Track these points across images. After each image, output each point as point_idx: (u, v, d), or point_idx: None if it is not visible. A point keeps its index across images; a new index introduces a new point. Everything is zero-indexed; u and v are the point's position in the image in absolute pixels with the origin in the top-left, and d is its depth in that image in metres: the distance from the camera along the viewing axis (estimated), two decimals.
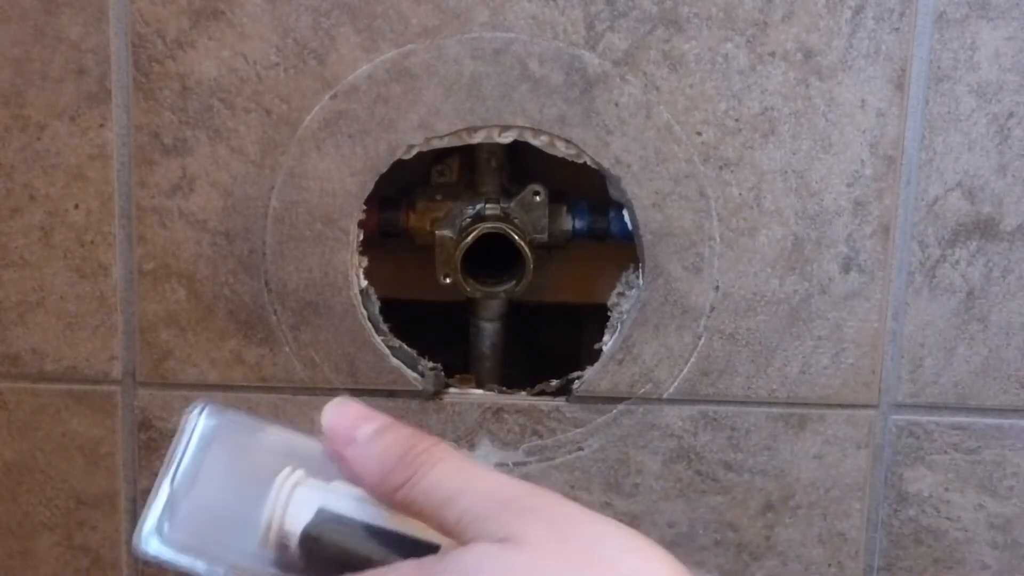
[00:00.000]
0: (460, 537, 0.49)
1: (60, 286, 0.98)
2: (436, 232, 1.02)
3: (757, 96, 0.94)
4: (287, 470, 0.53)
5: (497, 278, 1.04)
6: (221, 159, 0.95)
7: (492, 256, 1.02)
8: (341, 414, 0.53)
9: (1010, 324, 0.98)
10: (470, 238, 1.01)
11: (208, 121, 0.95)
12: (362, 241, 0.98)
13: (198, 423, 0.54)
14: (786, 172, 0.95)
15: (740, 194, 0.96)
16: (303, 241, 0.96)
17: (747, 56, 0.93)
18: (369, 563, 0.50)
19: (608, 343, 1.00)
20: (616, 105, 0.94)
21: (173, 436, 1.02)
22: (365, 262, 0.99)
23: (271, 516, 0.52)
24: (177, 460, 0.54)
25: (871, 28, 0.93)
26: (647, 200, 0.96)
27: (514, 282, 1.03)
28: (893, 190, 0.96)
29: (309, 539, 0.51)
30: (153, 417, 1.00)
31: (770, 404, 1.00)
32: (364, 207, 0.97)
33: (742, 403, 1.00)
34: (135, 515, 1.02)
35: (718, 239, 0.96)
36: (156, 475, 1.02)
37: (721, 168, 0.95)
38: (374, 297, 0.99)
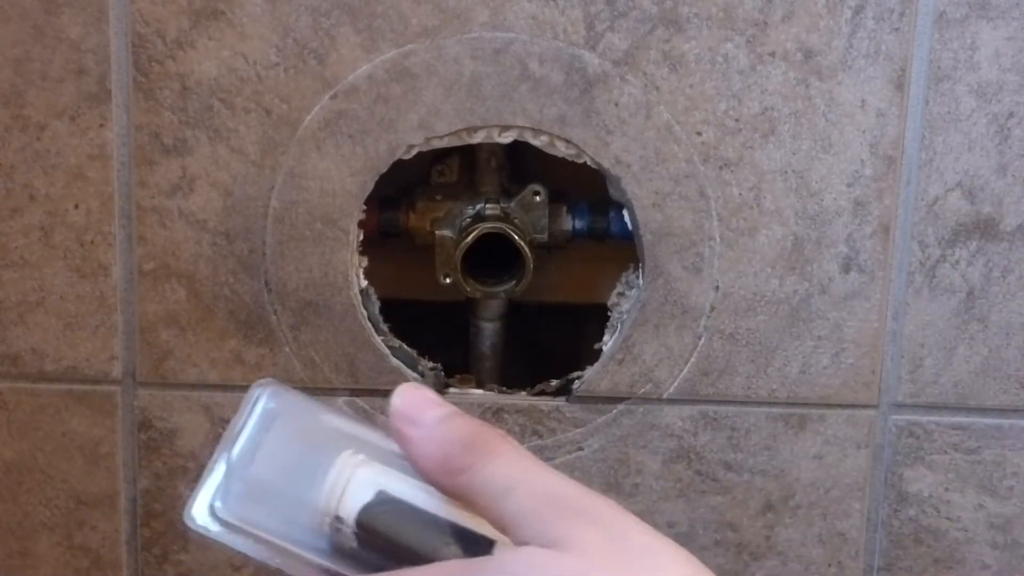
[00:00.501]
0: (514, 533, 0.49)
1: (60, 286, 0.98)
2: (436, 232, 1.02)
3: (757, 96, 0.94)
4: (349, 451, 0.53)
5: (497, 278, 1.04)
6: (221, 159, 0.95)
7: (492, 256, 1.02)
8: (411, 395, 0.53)
9: (1010, 324, 0.98)
10: (470, 238, 1.01)
11: (208, 121, 0.95)
12: (362, 241, 0.98)
13: (260, 401, 0.54)
14: (786, 172, 0.95)
15: (740, 194, 0.96)
16: (303, 241, 0.96)
17: (747, 56, 0.93)
18: (421, 552, 0.50)
19: (608, 343, 1.00)
20: (616, 105, 0.94)
21: (173, 436, 1.02)
22: (365, 262, 0.99)
23: (330, 494, 0.51)
24: (235, 436, 0.53)
25: (871, 28, 0.93)
26: (647, 200, 0.96)
27: (514, 282, 1.03)
28: (893, 190, 0.96)
29: (365, 520, 0.51)
30: (153, 417, 1.00)
31: (770, 404, 1.00)
32: (364, 207, 0.97)
33: (742, 403, 1.00)
34: (135, 515, 1.02)
35: (718, 239, 0.96)
36: (156, 475, 1.02)
37: (721, 168, 0.95)
38: (374, 297, 0.99)
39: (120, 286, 0.98)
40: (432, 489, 0.51)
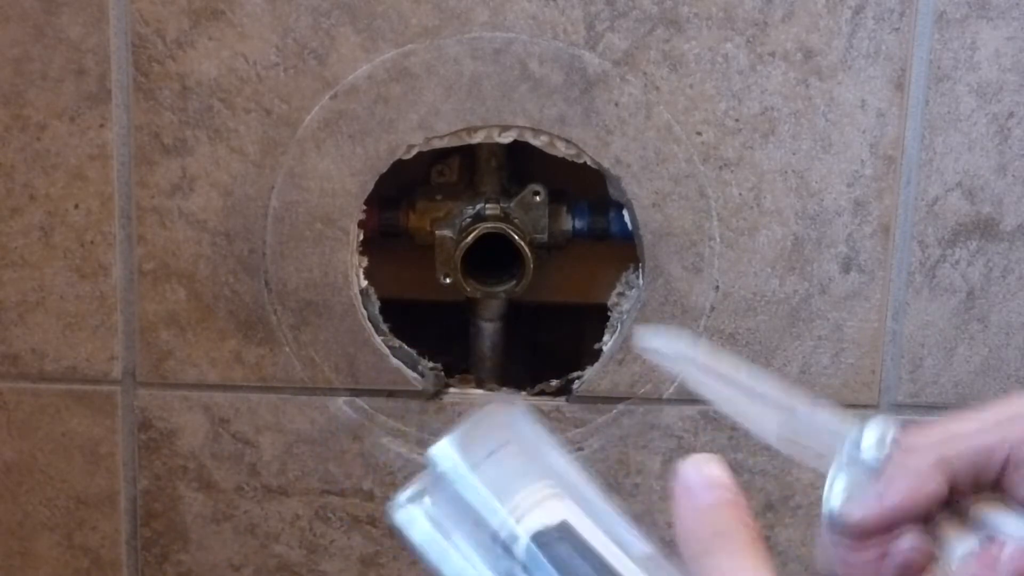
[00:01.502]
0: None
1: (60, 286, 0.98)
2: (436, 232, 1.02)
3: (757, 96, 0.94)
4: (552, 482, 0.53)
5: (497, 278, 1.04)
6: (221, 159, 0.95)
7: (492, 256, 1.02)
8: (694, 471, 0.53)
9: (1010, 324, 0.98)
10: (470, 238, 1.01)
11: (208, 121, 0.95)
12: (362, 241, 0.98)
13: (507, 421, 0.54)
14: (786, 172, 0.95)
15: (740, 194, 0.96)
16: (303, 241, 0.96)
17: (747, 56, 0.93)
18: None
19: (608, 343, 1.00)
20: (616, 105, 0.94)
21: (173, 436, 1.02)
22: (365, 262, 0.99)
23: (516, 507, 0.52)
24: (469, 444, 0.53)
25: (871, 28, 0.93)
26: (647, 200, 0.96)
27: (514, 282, 1.03)
28: (893, 190, 0.96)
29: (537, 544, 0.51)
30: (153, 417, 1.00)
31: None
32: (364, 207, 0.97)
33: None
34: (135, 515, 1.02)
35: (718, 239, 0.96)
36: (156, 475, 1.02)
37: (721, 168, 0.95)
38: (374, 297, 0.99)
39: (120, 286, 0.98)
40: (623, 551, 0.51)
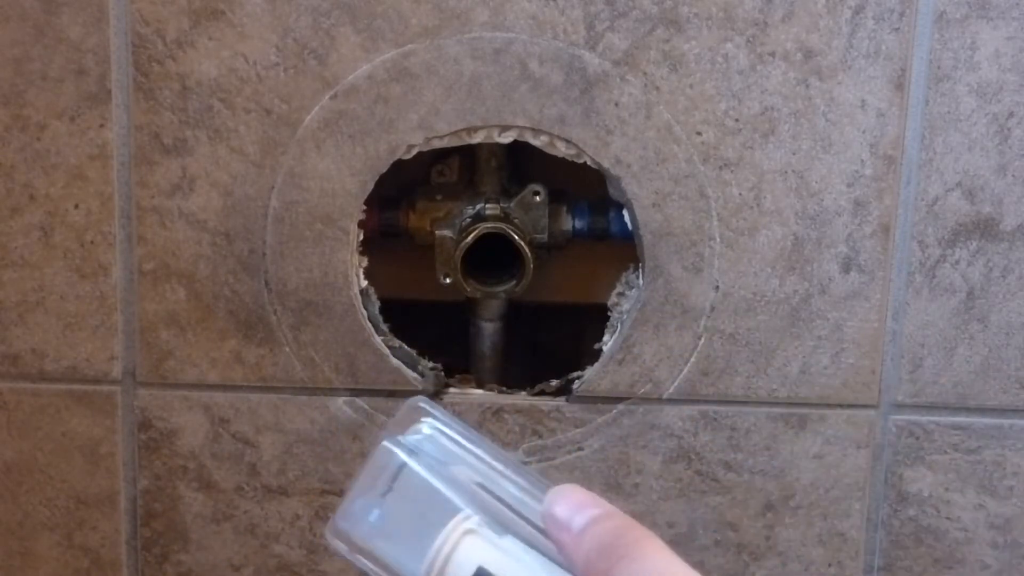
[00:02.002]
0: None
1: (60, 286, 0.98)
2: (436, 232, 1.02)
3: (757, 96, 0.94)
4: (462, 515, 0.53)
5: (497, 278, 1.04)
6: (221, 159, 0.95)
7: (492, 256, 1.02)
8: (563, 499, 0.53)
9: (1010, 324, 0.98)
10: (470, 238, 1.01)
11: (208, 121, 0.95)
12: (362, 241, 0.98)
13: (412, 427, 0.55)
14: (786, 172, 0.95)
15: (740, 194, 0.96)
16: (303, 241, 0.96)
17: (747, 56, 0.93)
18: None
19: (608, 343, 1.00)
20: (616, 105, 0.94)
21: (173, 436, 1.02)
22: (365, 262, 0.99)
23: (432, 562, 0.52)
24: (375, 468, 0.54)
25: (871, 28, 0.93)
26: (647, 200, 0.96)
27: (514, 282, 1.03)
28: (893, 190, 0.96)
29: None
30: (153, 417, 1.00)
31: (770, 404, 1.00)
32: (364, 207, 0.97)
33: (742, 403, 1.00)
34: (135, 515, 1.02)
35: (718, 239, 0.96)
36: (156, 475, 1.02)
37: (721, 168, 0.95)
38: (374, 297, 0.99)
39: (120, 286, 0.98)
40: (549, 564, 0.52)
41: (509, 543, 0.52)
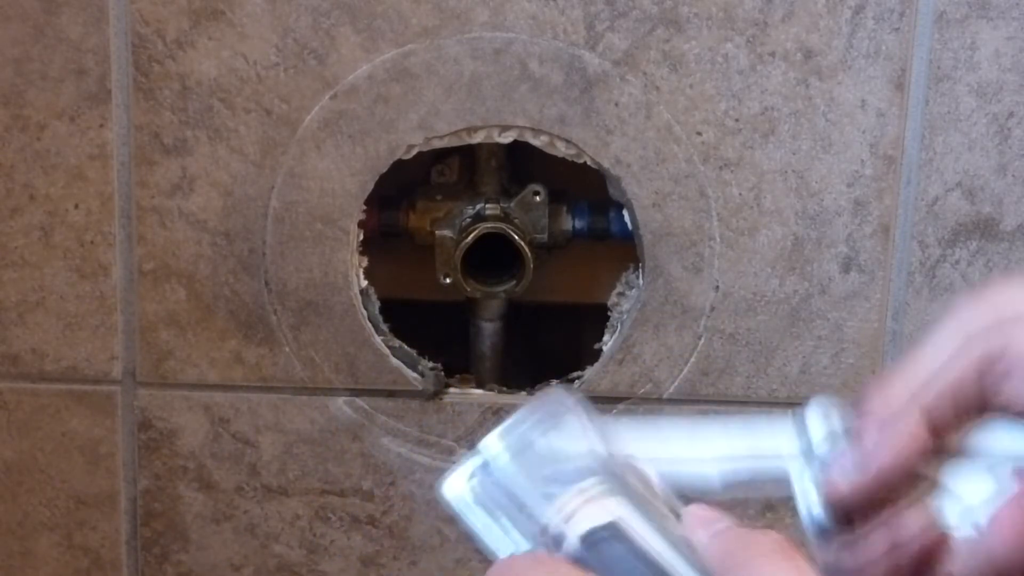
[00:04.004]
0: None
1: (60, 286, 0.98)
2: (436, 232, 1.02)
3: (757, 96, 0.94)
4: (602, 478, 0.52)
5: (497, 278, 1.04)
6: (221, 159, 0.95)
7: (492, 256, 1.02)
8: (703, 510, 0.53)
9: None
10: (470, 238, 1.01)
11: (208, 121, 0.95)
12: (362, 241, 0.98)
13: (552, 400, 0.53)
14: (786, 172, 0.95)
15: (740, 194, 0.96)
16: (303, 241, 0.96)
17: (747, 56, 0.93)
18: None
19: (608, 343, 1.00)
20: (616, 105, 0.94)
21: (173, 436, 1.02)
22: (365, 262, 0.99)
23: (565, 505, 0.51)
24: (519, 435, 0.53)
25: (871, 28, 0.93)
26: (647, 200, 0.96)
27: (514, 282, 1.03)
28: (893, 190, 0.96)
29: (586, 544, 0.50)
30: (153, 417, 1.00)
31: (770, 404, 1.00)
32: (364, 207, 0.97)
33: (742, 403, 1.00)
34: (135, 515, 1.02)
35: (718, 239, 0.96)
36: (156, 475, 1.02)
37: (721, 168, 0.95)
38: (374, 297, 0.99)
39: (120, 286, 0.98)
40: (676, 546, 0.51)
41: (644, 518, 0.51)
